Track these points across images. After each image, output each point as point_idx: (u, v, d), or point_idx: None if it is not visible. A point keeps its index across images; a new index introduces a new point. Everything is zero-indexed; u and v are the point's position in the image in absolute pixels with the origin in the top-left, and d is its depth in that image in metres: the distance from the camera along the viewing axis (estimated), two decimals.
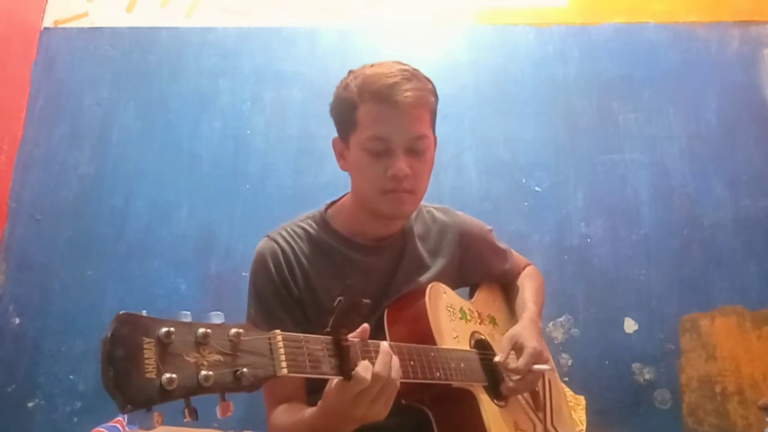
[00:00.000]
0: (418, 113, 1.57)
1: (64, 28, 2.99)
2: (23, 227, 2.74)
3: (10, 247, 2.72)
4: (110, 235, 2.72)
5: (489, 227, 1.98)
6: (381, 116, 1.54)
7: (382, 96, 1.53)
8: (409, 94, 1.53)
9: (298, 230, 1.70)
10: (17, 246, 2.72)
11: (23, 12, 2.91)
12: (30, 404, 2.55)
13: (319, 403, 1.28)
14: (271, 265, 1.63)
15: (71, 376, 2.57)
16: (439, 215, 1.87)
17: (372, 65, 1.61)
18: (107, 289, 2.66)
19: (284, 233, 1.69)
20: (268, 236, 1.70)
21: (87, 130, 2.85)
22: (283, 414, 1.53)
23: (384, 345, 1.24)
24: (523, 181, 2.74)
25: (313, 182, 2.72)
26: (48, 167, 2.80)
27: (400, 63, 1.61)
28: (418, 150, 1.58)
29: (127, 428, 2.18)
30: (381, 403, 1.21)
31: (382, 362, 1.19)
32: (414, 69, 1.61)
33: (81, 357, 2.59)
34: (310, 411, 1.37)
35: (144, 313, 0.88)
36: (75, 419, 2.53)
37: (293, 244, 1.67)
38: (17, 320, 2.63)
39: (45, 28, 2.99)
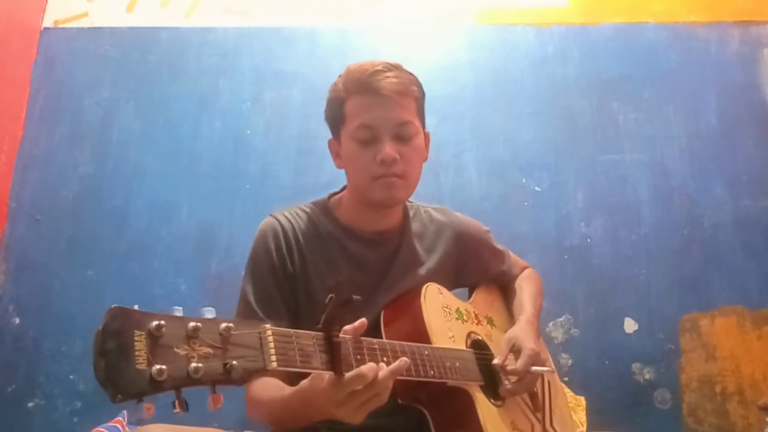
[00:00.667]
0: (402, 100, 1.61)
1: (64, 28, 2.99)
2: (23, 227, 2.74)
3: (10, 247, 2.72)
4: (110, 235, 2.73)
5: (486, 228, 1.99)
6: (366, 105, 1.59)
7: (364, 85, 1.58)
8: (392, 80, 1.59)
9: (301, 213, 1.73)
10: (17, 246, 2.72)
11: (23, 12, 2.92)
12: (30, 404, 2.55)
13: (304, 385, 1.28)
14: (271, 241, 1.65)
15: (71, 376, 2.57)
16: (436, 215, 1.88)
17: (354, 63, 1.66)
18: (107, 289, 2.66)
19: (287, 213, 1.72)
20: (271, 214, 1.73)
21: (87, 130, 2.85)
22: (262, 388, 1.51)
23: (403, 362, 1.23)
24: (523, 181, 2.74)
25: (313, 182, 2.72)
26: (48, 167, 2.81)
27: (384, 61, 1.65)
28: (405, 136, 1.62)
29: (127, 428, 2.18)
30: (363, 411, 1.20)
31: (385, 377, 1.19)
32: (398, 65, 1.66)
33: (81, 357, 2.58)
34: (289, 391, 1.37)
35: (136, 307, 0.89)
36: (75, 419, 2.53)
37: (294, 223, 1.69)
38: (17, 320, 2.63)
39: (45, 28, 2.99)
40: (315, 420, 1.34)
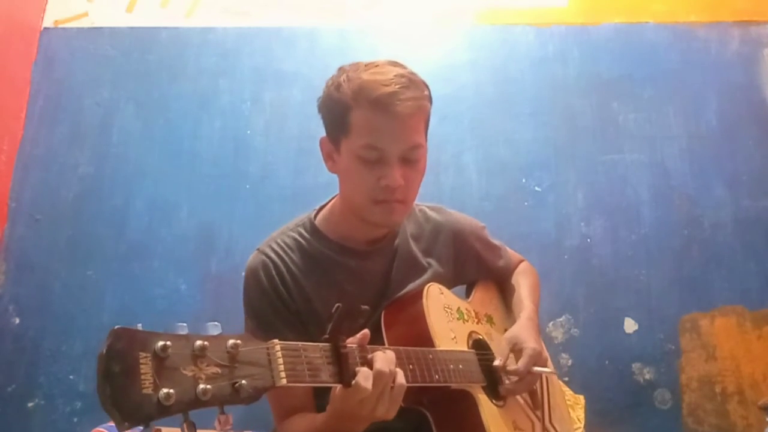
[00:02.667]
0: (414, 122, 1.53)
1: (64, 28, 2.99)
2: (23, 227, 2.74)
3: (10, 247, 2.72)
4: (110, 235, 2.73)
5: (482, 224, 1.96)
6: (377, 124, 1.49)
7: (379, 104, 1.48)
8: (409, 104, 1.49)
9: (289, 240, 1.67)
10: (17, 246, 2.72)
11: (23, 12, 2.91)
12: (30, 404, 2.55)
13: (328, 406, 1.29)
14: (264, 280, 1.60)
15: (71, 376, 2.57)
16: (432, 214, 1.85)
17: (367, 66, 1.55)
18: (107, 289, 2.66)
19: (274, 245, 1.66)
20: (258, 250, 1.67)
21: (87, 130, 2.85)
22: (294, 424, 1.53)
23: (383, 354, 1.24)
24: (523, 181, 2.74)
25: (313, 182, 2.71)
26: (48, 167, 2.81)
27: (395, 65, 1.56)
28: (412, 159, 1.54)
29: None
30: (385, 405, 1.21)
31: (378, 373, 1.19)
32: (410, 73, 1.55)
33: (81, 357, 2.59)
34: (321, 416, 1.37)
35: (140, 326, 0.87)
36: (75, 419, 2.53)
37: (284, 256, 1.64)
38: (17, 320, 2.64)
39: (45, 28, 2.99)
40: (359, 430, 1.33)
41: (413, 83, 1.53)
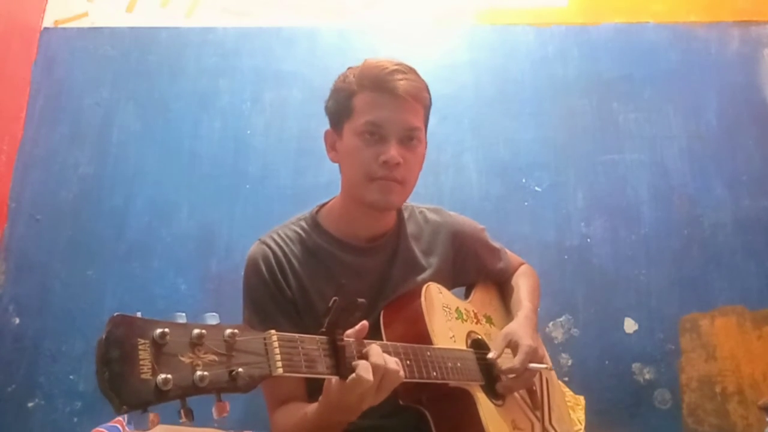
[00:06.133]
0: (413, 105, 1.60)
1: (64, 28, 2.99)
2: (23, 227, 2.74)
3: (10, 247, 2.72)
4: (110, 235, 2.72)
5: (481, 226, 1.98)
6: (378, 102, 1.56)
7: (379, 82, 1.56)
8: (404, 83, 1.56)
9: (290, 233, 1.70)
10: (17, 246, 2.72)
11: (23, 12, 2.91)
12: (30, 404, 2.55)
13: (321, 399, 1.29)
14: (264, 269, 1.63)
15: (71, 376, 2.57)
16: (431, 216, 1.87)
17: (370, 60, 1.63)
18: (107, 289, 2.66)
19: (276, 237, 1.68)
20: (259, 240, 1.69)
21: (87, 130, 2.85)
22: (285, 414, 1.53)
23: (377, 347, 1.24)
24: (523, 181, 2.74)
25: (313, 182, 2.72)
26: (48, 167, 2.81)
27: (398, 61, 1.63)
28: (411, 142, 1.60)
29: (126, 428, 2.18)
30: (381, 394, 1.23)
31: (376, 365, 1.20)
32: (412, 67, 1.64)
33: (81, 357, 2.58)
34: (312, 408, 1.37)
35: (139, 314, 0.88)
36: (75, 419, 2.53)
37: (285, 247, 1.66)
38: (17, 320, 2.63)
39: (45, 28, 2.99)
40: (350, 420, 1.33)
41: (412, 71, 1.63)
